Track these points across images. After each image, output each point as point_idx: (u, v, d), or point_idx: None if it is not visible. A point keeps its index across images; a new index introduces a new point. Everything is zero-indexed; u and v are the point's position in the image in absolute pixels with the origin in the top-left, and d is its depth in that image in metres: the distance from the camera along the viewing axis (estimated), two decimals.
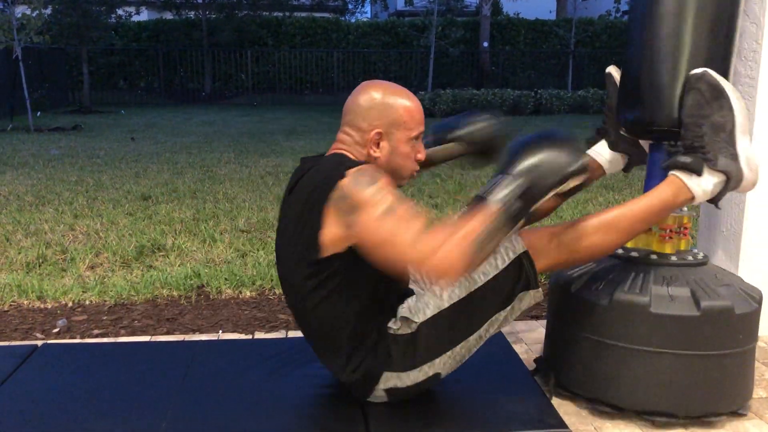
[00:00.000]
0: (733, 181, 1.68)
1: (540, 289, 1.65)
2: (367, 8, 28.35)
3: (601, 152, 2.06)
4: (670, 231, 1.88)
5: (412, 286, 1.76)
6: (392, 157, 1.59)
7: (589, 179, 2.01)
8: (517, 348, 2.28)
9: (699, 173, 1.67)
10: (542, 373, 2.00)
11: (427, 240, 1.33)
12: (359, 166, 1.46)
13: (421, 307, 1.60)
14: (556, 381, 1.94)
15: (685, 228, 1.91)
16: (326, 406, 1.70)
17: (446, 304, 1.59)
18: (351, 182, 1.42)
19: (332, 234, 1.47)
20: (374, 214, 1.38)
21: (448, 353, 1.61)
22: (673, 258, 1.86)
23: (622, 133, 2.01)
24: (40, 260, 3.43)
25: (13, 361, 1.96)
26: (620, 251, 1.93)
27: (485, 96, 14.27)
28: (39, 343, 2.20)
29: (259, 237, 3.92)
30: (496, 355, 2.03)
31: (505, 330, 2.43)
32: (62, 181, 5.82)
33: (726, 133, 1.66)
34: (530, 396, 1.76)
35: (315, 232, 1.48)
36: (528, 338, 2.43)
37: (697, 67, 1.71)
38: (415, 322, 1.58)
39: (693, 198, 1.69)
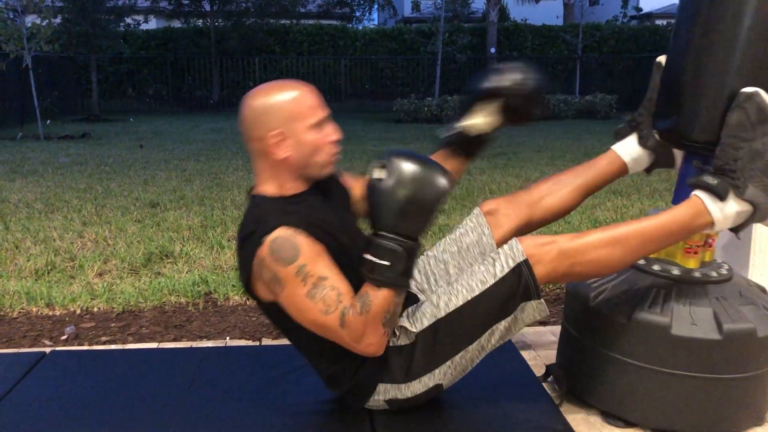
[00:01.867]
0: (759, 213, 1.58)
1: (542, 300, 1.58)
2: (374, 15, 28.43)
3: (629, 149, 1.92)
4: (697, 246, 1.81)
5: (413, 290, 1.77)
6: (301, 150, 1.53)
7: (611, 177, 1.95)
8: (525, 354, 2.26)
9: (722, 198, 1.56)
10: (553, 380, 1.98)
11: (350, 325, 1.43)
12: (274, 234, 1.44)
13: (419, 317, 1.58)
14: (568, 389, 1.92)
15: (712, 239, 1.85)
16: (333, 413, 1.70)
17: (443, 313, 1.56)
18: (269, 255, 1.44)
19: (264, 294, 1.53)
20: (297, 294, 1.43)
21: (448, 363, 1.58)
22: (697, 274, 1.79)
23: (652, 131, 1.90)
24: (49, 267, 3.44)
25: (22, 368, 1.96)
26: (642, 262, 1.87)
27: None
28: (47, 350, 2.20)
29: None
30: (504, 361, 2.02)
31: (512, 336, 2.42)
32: (71, 188, 5.85)
33: (764, 162, 1.56)
34: (538, 402, 1.75)
35: (252, 290, 1.55)
36: (536, 344, 2.42)
37: (747, 83, 1.59)
38: (413, 332, 1.57)
39: (713, 223, 1.59)
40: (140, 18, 17.30)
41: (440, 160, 1.87)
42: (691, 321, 1.70)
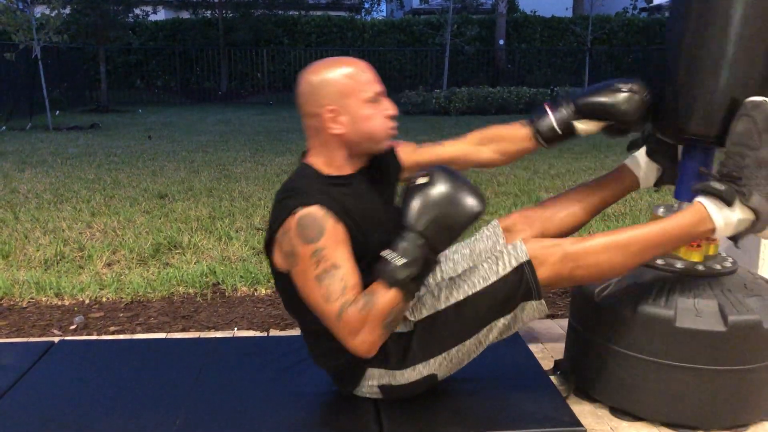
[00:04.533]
0: (760, 222, 1.59)
1: (543, 300, 1.59)
2: (383, 6, 28.33)
3: (639, 162, 1.96)
4: (699, 239, 1.80)
5: None
6: (357, 126, 1.53)
7: (625, 191, 1.98)
8: (533, 347, 2.26)
9: (729, 204, 1.57)
10: (561, 374, 1.98)
11: (347, 320, 1.42)
12: (307, 209, 1.45)
13: (418, 307, 1.59)
14: (575, 383, 1.92)
15: None
16: (340, 403, 1.70)
17: (443, 306, 1.57)
18: (295, 229, 1.45)
19: (279, 261, 1.55)
20: (308, 273, 1.45)
21: (444, 354, 1.59)
22: (701, 267, 1.80)
23: (660, 138, 1.90)
24: (58, 257, 3.46)
25: (30, 357, 1.97)
26: None
27: (501, 94, 14.20)
28: (56, 339, 2.22)
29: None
30: (511, 354, 2.02)
31: (520, 329, 2.42)
32: (80, 179, 5.87)
33: None
34: (545, 394, 1.75)
35: (270, 251, 1.57)
36: (544, 337, 2.41)
37: (741, 76, 1.63)
38: (412, 321, 1.58)
39: (714, 230, 1.60)
40: (149, 9, 17.31)
41: (520, 139, 1.86)
42: (695, 313, 1.70)
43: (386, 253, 1.43)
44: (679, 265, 1.81)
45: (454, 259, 1.88)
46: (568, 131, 1.81)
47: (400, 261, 1.41)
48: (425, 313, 1.58)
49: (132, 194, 5.17)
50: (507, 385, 1.80)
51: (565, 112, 1.80)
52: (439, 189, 1.43)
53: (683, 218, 1.61)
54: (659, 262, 1.84)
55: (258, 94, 17.87)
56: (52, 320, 2.70)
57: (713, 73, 1.66)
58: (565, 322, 2.51)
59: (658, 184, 1.98)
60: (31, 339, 2.47)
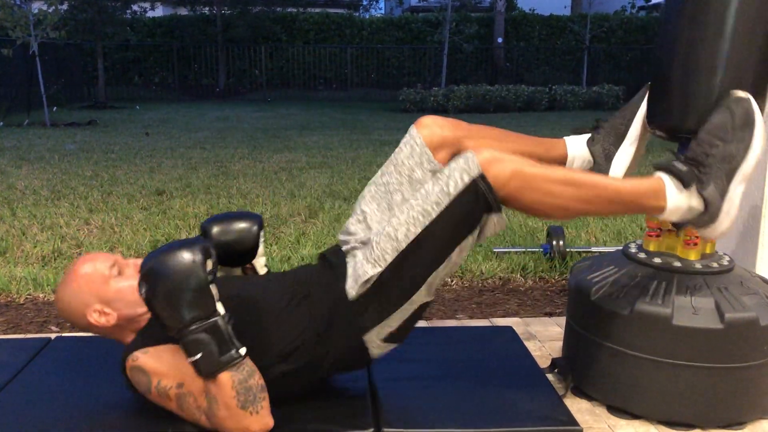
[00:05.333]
0: (707, 215, 1.59)
1: (502, 213, 1.52)
2: (381, 4, 28.30)
3: (577, 145, 1.91)
4: (696, 237, 1.82)
5: (344, 243, 1.73)
6: (121, 304, 1.61)
7: (551, 161, 1.87)
8: (530, 345, 2.26)
9: (686, 186, 1.57)
10: (559, 372, 1.98)
11: (223, 423, 1.45)
12: (128, 366, 1.55)
13: (379, 255, 1.54)
14: (573, 381, 1.92)
15: None
16: (336, 397, 1.70)
17: (404, 244, 1.52)
18: (133, 382, 1.56)
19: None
20: (173, 408, 1.52)
21: (424, 287, 1.56)
22: (698, 265, 1.80)
23: (605, 134, 1.90)
24: (56, 254, 3.45)
25: (27, 354, 1.97)
26: (642, 255, 1.87)
27: (499, 92, 14.21)
28: (53, 336, 2.21)
29: (271, 232, 3.92)
30: (508, 352, 2.02)
31: (517, 327, 2.42)
32: (77, 175, 5.86)
33: (731, 166, 1.58)
34: (542, 393, 1.75)
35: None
36: (541, 335, 2.42)
37: (736, 74, 1.63)
38: (378, 271, 1.53)
39: (663, 209, 1.59)
40: (147, 5, 17.27)
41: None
42: (692, 311, 1.71)
43: (188, 359, 1.45)
44: (676, 263, 1.82)
45: (384, 182, 1.76)
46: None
47: (197, 358, 1.41)
48: (389, 258, 1.53)
49: (129, 191, 5.16)
50: (504, 384, 1.80)
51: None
52: (152, 284, 1.39)
53: (640, 185, 1.58)
54: (656, 260, 1.84)
55: (256, 91, 17.85)
56: (49, 317, 2.69)
57: (708, 71, 1.67)
58: (562, 320, 2.51)
59: None
60: (28, 335, 2.46)
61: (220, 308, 1.43)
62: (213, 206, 4.58)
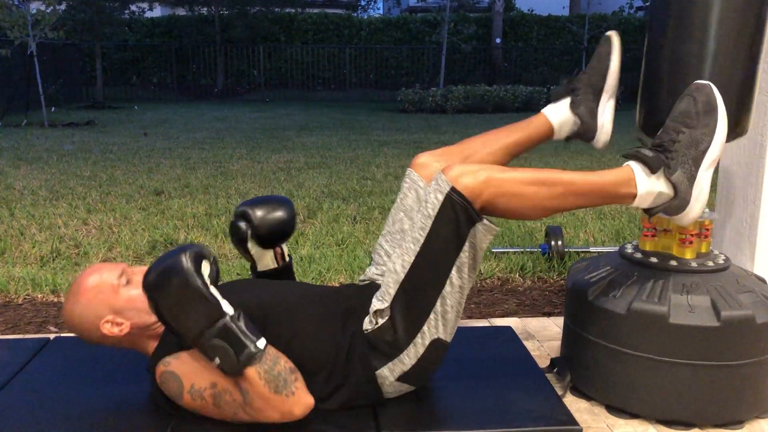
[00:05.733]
0: (677, 200, 1.61)
1: (485, 220, 1.54)
2: (380, 4, 28.31)
3: (559, 113, 1.90)
4: (691, 235, 1.82)
5: (372, 276, 1.78)
6: (133, 313, 1.60)
7: (538, 139, 1.92)
8: (529, 345, 2.27)
9: (654, 171, 1.59)
10: (557, 372, 1.98)
11: (262, 411, 1.47)
12: (157, 372, 1.56)
13: (385, 290, 1.58)
14: (571, 381, 1.93)
15: (707, 230, 1.86)
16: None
17: (403, 275, 1.55)
18: (164, 387, 1.56)
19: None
20: (210, 411, 1.53)
21: (432, 316, 1.57)
22: (693, 264, 1.81)
23: (582, 92, 1.89)
24: (54, 254, 3.45)
25: (26, 354, 1.97)
26: (639, 255, 1.88)
27: (497, 92, 14.21)
28: (52, 336, 2.21)
29: None
30: (506, 352, 2.02)
31: (516, 327, 2.43)
32: (76, 175, 5.86)
33: (697, 151, 1.61)
34: (541, 393, 1.75)
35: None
36: (540, 335, 2.42)
37: (723, 72, 1.66)
38: (386, 307, 1.56)
39: (634, 197, 1.61)
40: (145, 5, 17.27)
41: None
42: (688, 309, 1.71)
43: (210, 363, 1.47)
44: (672, 262, 1.82)
45: (397, 229, 1.81)
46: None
47: (218, 360, 1.43)
48: (393, 291, 1.56)
49: (128, 191, 5.16)
50: (503, 384, 1.80)
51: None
52: (157, 295, 1.41)
53: (610, 175, 1.61)
54: (652, 260, 1.85)
55: (254, 92, 17.84)
56: (48, 317, 2.69)
57: (696, 70, 1.69)
58: (561, 320, 2.51)
59: (571, 137, 1.95)
60: (27, 336, 2.46)
61: (227, 308, 1.43)
62: (211, 206, 4.58)
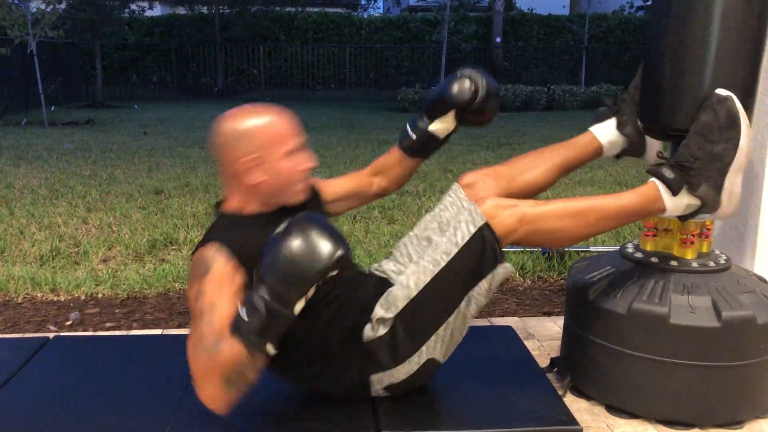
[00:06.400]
0: (707, 207, 1.66)
1: (506, 263, 1.58)
2: (380, 3, 28.30)
3: (606, 133, 1.94)
4: (692, 236, 1.83)
5: (378, 272, 1.77)
6: (273, 178, 1.53)
7: (587, 158, 1.95)
8: (529, 344, 2.26)
9: (675, 193, 1.64)
10: (558, 371, 1.98)
11: (194, 363, 1.36)
12: (204, 248, 1.46)
13: (392, 301, 1.56)
14: (572, 381, 1.93)
15: (708, 230, 1.86)
16: (336, 401, 1.70)
17: (415, 292, 1.55)
18: (191, 268, 1.47)
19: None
20: (194, 312, 1.41)
21: (433, 338, 1.58)
22: (694, 264, 1.81)
23: (636, 118, 1.92)
24: (54, 253, 3.45)
25: (26, 353, 1.97)
26: (639, 255, 1.88)
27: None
28: (51, 335, 2.21)
29: None
30: (507, 351, 2.02)
31: (516, 326, 2.42)
32: (76, 174, 5.85)
33: (721, 165, 1.63)
34: (541, 392, 1.75)
35: None
36: (540, 335, 2.42)
37: (724, 74, 1.66)
38: (390, 318, 1.55)
39: (665, 210, 1.67)
40: (145, 4, 17.24)
41: (397, 161, 1.89)
42: (689, 310, 1.71)
43: (238, 305, 1.36)
44: (672, 262, 1.82)
45: (426, 237, 1.78)
46: (427, 136, 1.82)
47: (244, 315, 1.33)
48: (400, 305, 1.55)
49: (128, 190, 5.15)
50: (503, 383, 1.80)
51: (419, 121, 1.83)
52: (289, 239, 1.33)
53: (638, 195, 1.65)
54: (653, 260, 1.84)
55: (254, 91, 17.82)
56: (47, 316, 2.69)
57: (697, 69, 1.69)
58: (561, 319, 2.51)
59: (622, 155, 1.99)
60: (27, 335, 2.46)
61: (297, 308, 1.35)
62: (211, 205, 4.58)
